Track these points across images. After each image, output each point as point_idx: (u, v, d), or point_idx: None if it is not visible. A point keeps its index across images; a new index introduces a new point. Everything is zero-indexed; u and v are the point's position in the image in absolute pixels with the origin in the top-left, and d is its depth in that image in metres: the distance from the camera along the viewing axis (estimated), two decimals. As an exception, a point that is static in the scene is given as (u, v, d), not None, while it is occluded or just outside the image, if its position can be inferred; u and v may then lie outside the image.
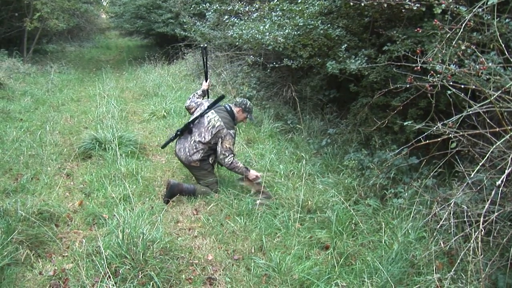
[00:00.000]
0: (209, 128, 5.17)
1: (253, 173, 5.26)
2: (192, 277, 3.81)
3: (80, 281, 3.60)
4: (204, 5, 9.35)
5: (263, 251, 4.17)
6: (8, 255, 3.72)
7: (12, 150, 6.37)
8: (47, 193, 5.24)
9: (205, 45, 5.68)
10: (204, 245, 4.32)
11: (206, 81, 5.70)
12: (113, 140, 6.40)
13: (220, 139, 5.16)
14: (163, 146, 5.75)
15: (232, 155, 5.19)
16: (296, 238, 4.25)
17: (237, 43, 8.73)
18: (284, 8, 6.01)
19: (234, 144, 5.30)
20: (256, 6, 6.93)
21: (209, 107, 5.32)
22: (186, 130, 5.34)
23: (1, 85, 10.70)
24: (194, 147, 5.22)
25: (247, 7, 7.41)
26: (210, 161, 5.37)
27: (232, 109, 5.34)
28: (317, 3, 5.68)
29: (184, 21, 12.29)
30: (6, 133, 7.28)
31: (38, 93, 10.94)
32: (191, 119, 5.35)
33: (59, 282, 3.69)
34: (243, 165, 5.27)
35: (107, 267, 3.55)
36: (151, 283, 3.52)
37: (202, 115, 5.28)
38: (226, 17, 8.12)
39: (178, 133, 5.39)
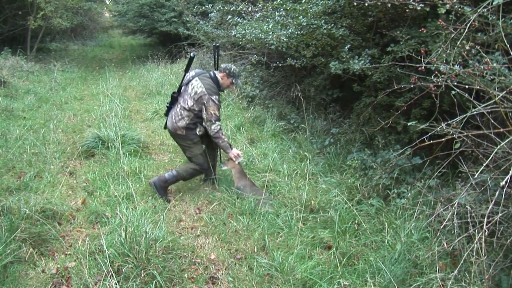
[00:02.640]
0: (192, 95, 5.10)
1: (235, 151, 5.26)
2: (194, 276, 3.82)
3: (83, 280, 3.61)
4: (207, 6, 9.35)
5: (266, 250, 4.17)
6: (11, 253, 3.74)
7: (15, 148, 6.38)
8: (50, 191, 5.25)
9: (217, 44, 5.64)
10: (207, 244, 4.33)
11: None
12: (116, 139, 6.41)
13: (203, 106, 5.06)
14: (165, 127, 5.60)
15: (219, 122, 5.11)
16: (298, 237, 4.25)
17: (240, 43, 8.73)
18: (288, 7, 5.99)
19: (219, 110, 5.17)
20: (259, 5, 6.92)
21: (187, 71, 5.34)
22: (173, 101, 5.35)
23: (4, 83, 10.72)
24: (179, 114, 5.17)
25: (250, 7, 7.41)
26: (197, 132, 5.25)
27: (216, 75, 5.24)
28: (321, 2, 5.67)
29: (187, 20, 12.29)
30: (9, 131, 7.29)
31: (41, 91, 10.96)
32: (177, 89, 5.37)
33: (61, 280, 3.70)
34: (227, 140, 5.27)
35: (110, 265, 3.56)
36: (154, 282, 3.52)
37: (186, 83, 5.25)
38: (230, 17, 8.12)
39: (167, 105, 5.41)
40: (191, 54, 5.30)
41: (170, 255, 3.90)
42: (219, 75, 5.24)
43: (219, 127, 5.10)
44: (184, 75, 5.43)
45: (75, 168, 6.17)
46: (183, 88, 5.26)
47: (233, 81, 5.31)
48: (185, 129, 5.19)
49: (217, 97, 5.08)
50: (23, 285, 3.61)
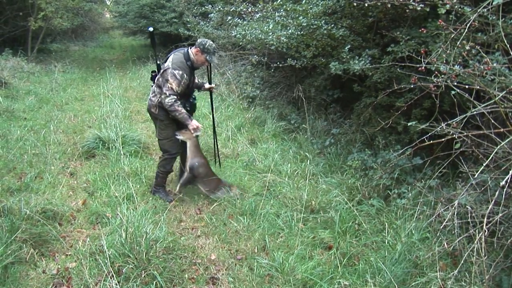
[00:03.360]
0: (161, 71, 5.00)
1: (194, 122, 5.06)
2: (195, 276, 3.82)
3: (83, 280, 3.62)
4: (207, 6, 9.36)
5: (266, 251, 4.17)
6: (12, 253, 3.74)
7: (16, 149, 6.38)
8: (51, 192, 5.25)
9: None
10: (207, 245, 4.33)
11: (210, 84, 5.59)
12: (116, 139, 6.41)
13: (164, 80, 4.91)
14: None
15: (174, 96, 4.86)
16: (299, 238, 4.25)
17: (240, 43, 8.74)
18: (288, 8, 6.00)
19: (181, 86, 4.90)
20: (260, 6, 6.92)
21: (153, 47, 5.37)
22: (153, 77, 5.28)
23: (5, 84, 10.72)
24: (153, 91, 5.10)
25: (250, 8, 7.41)
26: (169, 115, 5.08)
27: (189, 51, 5.05)
28: (321, 3, 5.67)
29: (188, 20, 12.30)
30: (10, 132, 7.29)
31: (42, 92, 10.96)
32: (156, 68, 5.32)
33: (62, 280, 3.70)
34: (185, 112, 5.01)
35: (110, 266, 3.57)
36: (154, 282, 3.52)
37: (164, 61, 5.13)
38: (230, 17, 8.13)
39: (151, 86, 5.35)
40: (149, 29, 5.20)
41: (171, 256, 3.91)
42: (193, 50, 5.03)
43: (173, 100, 4.85)
44: (155, 51, 5.51)
45: (75, 168, 6.17)
46: (162, 66, 5.13)
47: (207, 58, 5.01)
48: (158, 108, 5.07)
49: (180, 72, 4.86)
50: (24, 285, 3.61)
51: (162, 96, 4.90)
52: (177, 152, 5.29)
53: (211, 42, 5.02)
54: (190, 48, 5.07)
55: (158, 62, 5.27)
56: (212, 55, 5.02)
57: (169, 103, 4.85)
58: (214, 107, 5.80)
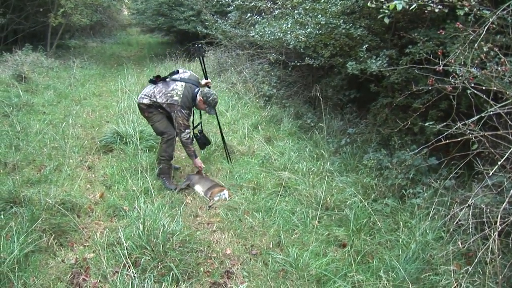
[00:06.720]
0: (168, 95, 5.33)
1: (198, 161, 5.72)
2: (210, 270, 3.87)
3: (101, 270, 3.70)
4: (227, 0, 9.38)
5: (281, 246, 4.21)
6: (32, 242, 3.85)
7: (35, 142, 6.51)
8: (69, 184, 5.35)
9: (200, 44, 5.82)
10: (223, 240, 4.38)
11: (206, 79, 5.89)
12: (134, 135, 6.48)
13: (174, 114, 5.39)
14: None
15: (188, 130, 5.48)
16: (314, 235, 4.28)
17: (258, 42, 8.77)
18: (307, 7, 6.02)
19: (189, 120, 5.51)
20: (279, 3, 6.95)
21: (180, 78, 5.54)
22: (153, 81, 5.51)
23: (25, 79, 10.91)
24: (148, 96, 5.42)
25: (269, 4, 7.45)
26: (159, 110, 5.52)
27: (197, 94, 5.46)
28: (340, 2, 5.69)
29: (206, 18, 12.36)
30: (30, 125, 7.44)
31: (60, 87, 11.14)
32: (166, 76, 5.56)
33: (80, 270, 3.78)
34: (194, 150, 5.66)
35: (128, 257, 3.63)
36: (171, 273, 3.59)
37: (174, 80, 5.44)
38: (249, 15, 8.16)
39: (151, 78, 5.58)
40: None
41: (187, 249, 3.96)
42: (199, 96, 5.45)
43: (188, 135, 5.49)
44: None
45: (93, 162, 6.27)
46: (168, 79, 5.46)
47: (207, 109, 5.55)
48: (147, 106, 5.46)
49: (187, 111, 5.41)
50: (44, 273, 3.70)
51: (178, 131, 5.46)
52: (174, 135, 5.54)
53: (215, 97, 5.53)
54: (200, 91, 5.47)
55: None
56: (211, 108, 5.55)
57: (184, 138, 5.49)
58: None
